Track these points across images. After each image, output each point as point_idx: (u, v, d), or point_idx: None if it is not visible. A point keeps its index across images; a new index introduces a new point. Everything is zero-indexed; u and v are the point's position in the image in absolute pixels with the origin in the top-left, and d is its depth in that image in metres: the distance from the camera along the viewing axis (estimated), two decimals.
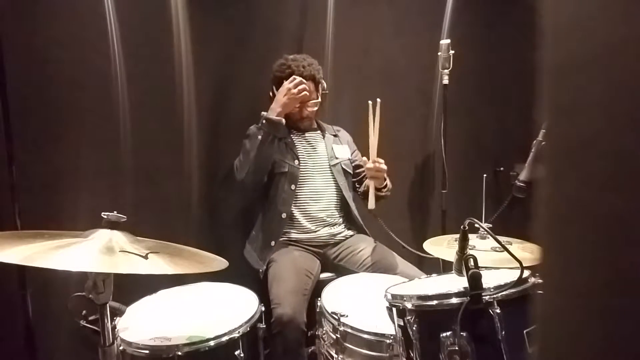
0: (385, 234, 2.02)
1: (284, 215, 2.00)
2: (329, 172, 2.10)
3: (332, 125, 2.25)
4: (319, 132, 2.19)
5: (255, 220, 2.15)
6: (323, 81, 2.11)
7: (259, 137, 1.92)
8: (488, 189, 2.08)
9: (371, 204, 1.90)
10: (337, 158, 2.12)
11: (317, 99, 2.09)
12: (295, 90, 1.95)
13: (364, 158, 1.92)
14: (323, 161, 2.11)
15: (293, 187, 2.02)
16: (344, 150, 2.17)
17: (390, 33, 2.43)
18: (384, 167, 1.90)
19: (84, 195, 1.87)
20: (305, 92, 1.97)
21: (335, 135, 2.21)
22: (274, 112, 1.95)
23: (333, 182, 2.09)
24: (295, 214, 2.03)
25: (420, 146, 2.60)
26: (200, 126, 2.26)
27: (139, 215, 1.79)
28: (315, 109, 2.10)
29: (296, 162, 2.04)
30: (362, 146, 2.13)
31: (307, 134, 2.15)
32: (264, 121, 1.93)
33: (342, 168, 2.12)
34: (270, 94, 2.06)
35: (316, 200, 2.05)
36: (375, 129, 1.90)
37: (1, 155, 1.69)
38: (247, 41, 2.26)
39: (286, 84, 1.96)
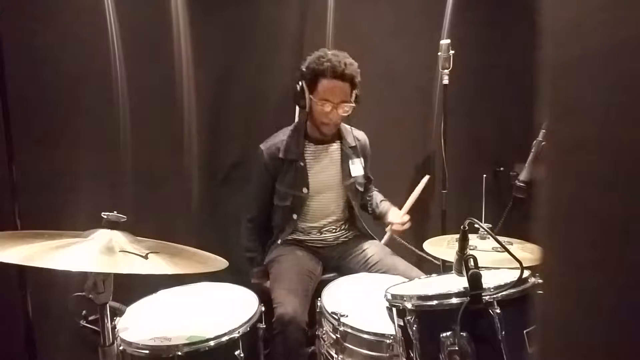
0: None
1: (279, 241, 1.99)
2: (341, 191, 2.01)
3: (351, 128, 2.04)
4: (338, 143, 2.01)
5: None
6: (359, 87, 1.89)
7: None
8: (488, 189, 2.08)
9: (384, 241, 2.03)
10: (351, 177, 1.99)
11: (352, 103, 1.86)
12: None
13: (394, 213, 1.99)
14: (335, 180, 1.99)
15: (295, 216, 1.96)
16: (359, 167, 2.02)
17: (390, 33, 2.43)
18: (408, 224, 1.95)
19: (84, 195, 1.87)
20: None
21: (354, 147, 2.02)
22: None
23: (344, 200, 2.03)
24: (298, 228, 2.02)
25: (420, 146, 2.60)
26: (200, 126, 2.26)
27: (139, 215, 1.79)
28: (347, 114, 1.88)
29: (304, 190, 1.93)
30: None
31: (323, 147, 1.98)
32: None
33: (355, 187, 2.02)
34: (298, 87, 1.86)
35: (322, 217, 2.01)
36: (415, 196, 2.02)
37: (1, 155, 1.69)
38: (247, 41, 2.26)
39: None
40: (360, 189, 2.06)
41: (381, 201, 2.14)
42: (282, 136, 1.98)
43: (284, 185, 1.94)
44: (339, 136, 2.02)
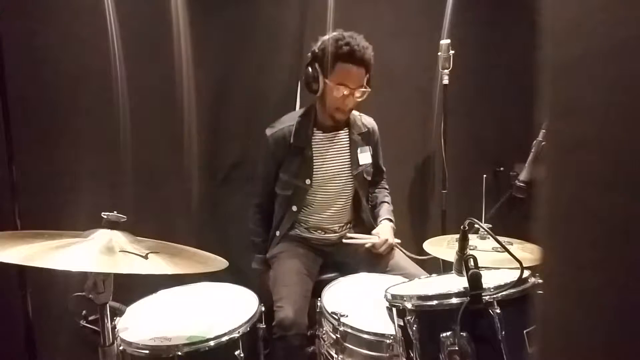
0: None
1: (278, 233, 1.98)
2: (350, 180, 1.95)
3: (360, 115, 2.00)
4: (346, 130, 1.95)
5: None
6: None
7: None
8: (488, 189, 2.07)
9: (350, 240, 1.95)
10: (360, 166, 1.95)
11: (367, 88, 1.81)
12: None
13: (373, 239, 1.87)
14: (344, 169, 1.94)
15: (295, 208, 1.93)
16: (367, 155, 1.98)
17: (390, 33, 2.43)
18: (390, 242, 1.86)
19: (84, 195, 1.86)
20: None
21: (363, 134, 1.98)
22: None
23: (351, 190, 1.97)
24: (299, 221, 2.00)
25: (420, 146, 2.60)
26: (200, 126, 2.26)
27: (139, 215, 1.79)
28: (362, 99, 1.83)
29: (307, 181, 1.88)
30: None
31: (332, 135, 1.93)
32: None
33: (363, 177, 1.98)
34: (310, 70, 1.80)
35: (322, 210, 1.96)
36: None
37: (1, 155, 1.69)
38: (247, 41, 2.26)
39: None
40: (368, 177, 2.01)
41: (381, 202, 2.09)
42: (289, 121, 1.91)
43: (288, 173, 1.89)
44: (347, 123, 1.95)
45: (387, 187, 2.18)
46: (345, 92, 1.76)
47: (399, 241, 1.92)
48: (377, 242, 1.85)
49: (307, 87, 1.85)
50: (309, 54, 1.86)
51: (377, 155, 2.08)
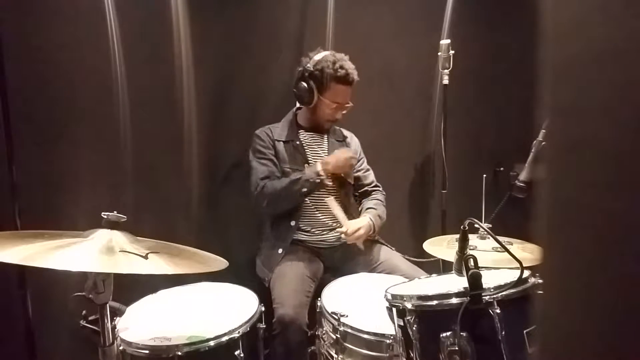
0: (388, 239, 2.05)
1: (292, 223, 1.97)
2: (333, 177, 2.02)
3: (341, 129, 2.19)
4: (325, 135, 2.13)
5: (263, 230, 2.10)
6: None
7: (302, 190, 1.88)
8: (488, 189, 2.07)
9: (360, 246, 1.92)
10: None
11: (350, 103, 2.03)
12: (350, 163, 1.96)
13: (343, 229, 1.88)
14: None
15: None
16: None
17: (390, 33, 2.43)
18: (359, 234, 1.86)
19: (84, 195, 1.87)
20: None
21: (341, 141, 2.14)
22: (326, 169, 1.89)
23: (334, 189, 2.04)
24: (302, 219, 2.01)
25: (420, 146, 2.60)
26: (200, 126, 2.26)
27: (139, 215, 1.79)
28: (347, 111, 2.05)
29: (306, 166, 1.99)
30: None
31: (314, 135, 2.10)
32: (317, 180, 1.87)
33: (341, 176, 2.05)
34: (304, 85, 1.95)
35: (319, 205, 2.02)
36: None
37: (1, 155, 1.69)
38: (247, 41, 2.26)
39: (348, 156, 1.94)
40: (350, 180, 2.10)
41: (367, 209, 2.07)
42: (275, 125, 2.12)
43: (285, 163, 2.00)
44: (326, 130, 2.14)
45: (380, 198, 2.16)
46: (336, 107, 1.99)
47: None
48: (347, 230, 1.86)
49: (300, 99, 2.04)
50: (300, 69, 1.99)
51: (361, 166, 2.17)
